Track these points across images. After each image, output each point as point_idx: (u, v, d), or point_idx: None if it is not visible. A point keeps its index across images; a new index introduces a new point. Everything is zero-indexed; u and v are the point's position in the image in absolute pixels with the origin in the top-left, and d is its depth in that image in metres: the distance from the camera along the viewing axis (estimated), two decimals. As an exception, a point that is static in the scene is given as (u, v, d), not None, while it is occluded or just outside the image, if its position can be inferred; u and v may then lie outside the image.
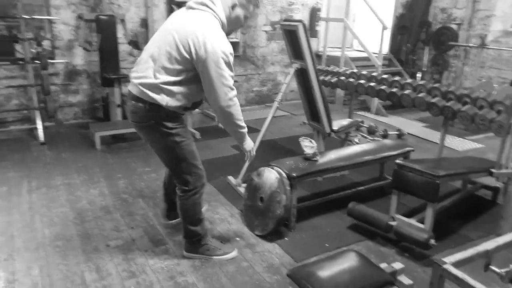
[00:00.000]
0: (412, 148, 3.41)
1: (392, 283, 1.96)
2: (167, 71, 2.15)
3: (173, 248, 2.68)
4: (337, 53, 6.78)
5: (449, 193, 3.34)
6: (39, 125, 4.78)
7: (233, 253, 2.58)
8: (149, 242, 2.75)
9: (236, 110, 2.24)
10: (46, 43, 5.00)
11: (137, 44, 5.20)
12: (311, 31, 7.11)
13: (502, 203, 2.89)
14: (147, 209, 3.20)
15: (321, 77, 4.86)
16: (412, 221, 2.77)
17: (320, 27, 7.11)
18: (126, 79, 5.34)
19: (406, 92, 3.87)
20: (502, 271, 1.52)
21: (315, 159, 3.00)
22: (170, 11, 5.91)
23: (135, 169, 3.99)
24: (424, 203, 2.78)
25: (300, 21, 3.23)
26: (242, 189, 3.35)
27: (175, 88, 2.18)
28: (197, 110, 4.09)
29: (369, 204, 3.09)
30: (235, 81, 2.23)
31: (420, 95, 3.74)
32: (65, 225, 2.96)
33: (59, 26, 5.17)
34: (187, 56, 2.11)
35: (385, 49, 6.94)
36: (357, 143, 4.51)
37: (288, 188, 2.70)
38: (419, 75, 7.07)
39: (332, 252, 2.59)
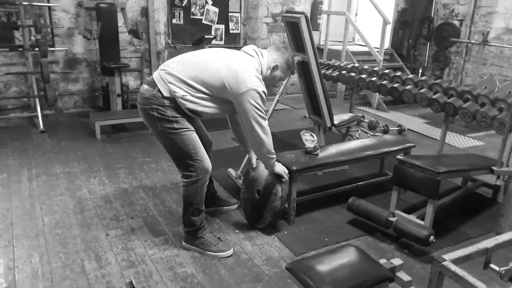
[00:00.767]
0: (413, 144, 3.41)
1: (391, 279, 1.97)
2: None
3: (172, 239, 2.69)
4: (338, 47, 6.75)
5: (450, 190, 3.35)
6: (39, 113, 4.77)
7: (228, 252, 2.54)
8: (149, 232, 2.76)
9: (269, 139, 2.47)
10: (45, 31, 4.96)
11: (137, 33, 5.16)
12: (313, 24, 7.06)
13: (502, 201, 2.90)
14: (147, 199, 3.21)
15: (322, 71, 4.84)
16: (412, 217, 2.78)
17: (322, 20, 7.07)
18: (126, 68, 5.32)
19: (408, 87, 3.87)
20: (501, 269, 1.53)
21: (315, 153, 3.00)
22: (171, 0, 5.89)
23: (136, 159, 3.99)
24: (425, 200, 2.78)
25: (302, 13, 3.21)
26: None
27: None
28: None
29: (369, 200, 3.09)
30: None
31: (422, 90, 3.74)
32: (64, 213, 2.96)
33: (59, 13, 5.13)
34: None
35: (387, 44, 6.92)
36: (357, 138, 4.52)
37: (286, 179, 2.70)
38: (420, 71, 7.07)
39: (331, 247, 2.60)
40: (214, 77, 2.33)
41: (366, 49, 6.42)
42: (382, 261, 2.17)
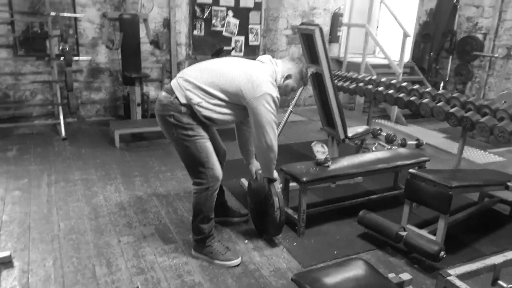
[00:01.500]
0: (427, 158, 3.37)
1: (398, 294, 1.94)
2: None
3: (182, 247, 2.72)
4: (358, 59, 6.73)
5: (465, 205, 3.28)
6: (62, 120, 4.92)
7: (236, 261, 2.56)
8: (160, 240, 2.80)
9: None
10: (70, 40, 5.14)
11: (159, 44, 5.28)
12: (333, 37, 7.09)
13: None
14: (160, 207, 3.26)
15: (340, 83, 4.85)
16: (424, 232, 2.74)
17: (342, 32, 7.08)
18: (147, 78, 5.45)
19: (425, 101, 3.83)
20: (510, 286, 1.50)
21: (326, 164, 2.99)
22: (192, 12, 6.01)
23: (152, 167, 4.06)
24: (438, 215, 2.74)
25: (316, 25, 3.23)
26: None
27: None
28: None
29: (381, 213, 3.05)
30: None
31: (439, 104, 3.69)
32: (80, 219, 3.04)
33: (84, 23, 5.31)
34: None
35: (407, 57, 6.86)
36: (373, 151, 4.49)
37: (279, 190, 2.70)
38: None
39: (340, 260, 2.58)
40: (230, 83, 2.39)
41: (386, 62, 6.39)
42: (391, 275, 2.14)
